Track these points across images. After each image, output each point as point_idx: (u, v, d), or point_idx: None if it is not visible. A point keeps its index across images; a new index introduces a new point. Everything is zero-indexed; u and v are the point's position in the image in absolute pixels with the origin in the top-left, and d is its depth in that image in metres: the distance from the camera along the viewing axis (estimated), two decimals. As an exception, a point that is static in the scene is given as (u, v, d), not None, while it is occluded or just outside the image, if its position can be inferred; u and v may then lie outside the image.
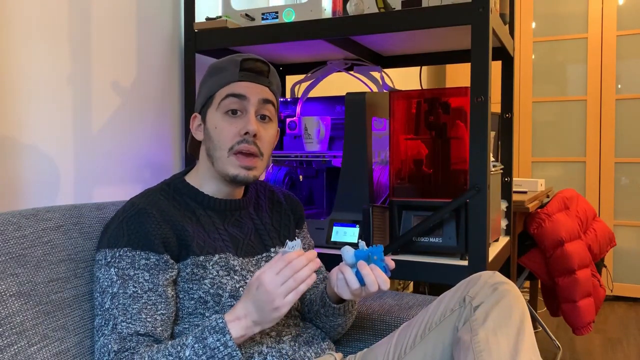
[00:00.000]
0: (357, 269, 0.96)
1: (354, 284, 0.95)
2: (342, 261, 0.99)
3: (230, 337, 0.87)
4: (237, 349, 0.87)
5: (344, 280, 0.97)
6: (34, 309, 0.89)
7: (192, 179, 1.09)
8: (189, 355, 0.86)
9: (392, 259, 1.38)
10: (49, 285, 0.93)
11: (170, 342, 0.90)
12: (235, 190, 1.09)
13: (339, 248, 1.49)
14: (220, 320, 0.88)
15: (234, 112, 1.03)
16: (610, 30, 3.42)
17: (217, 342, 0.86)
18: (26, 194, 1.20)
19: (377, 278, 0.95)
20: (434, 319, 1.02)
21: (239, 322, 0.89)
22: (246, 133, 1.01)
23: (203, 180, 1.08)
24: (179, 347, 0.87)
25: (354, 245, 1.47)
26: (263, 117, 1.06)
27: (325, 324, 1.11)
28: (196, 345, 0.87)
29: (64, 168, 1.29)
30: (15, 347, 0.84)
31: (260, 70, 1.06)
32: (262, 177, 1.82)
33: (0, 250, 0.88)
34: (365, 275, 0.94)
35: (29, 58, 1.20)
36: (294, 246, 0.91)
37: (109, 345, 0.89)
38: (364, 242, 0.99)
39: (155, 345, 0.90)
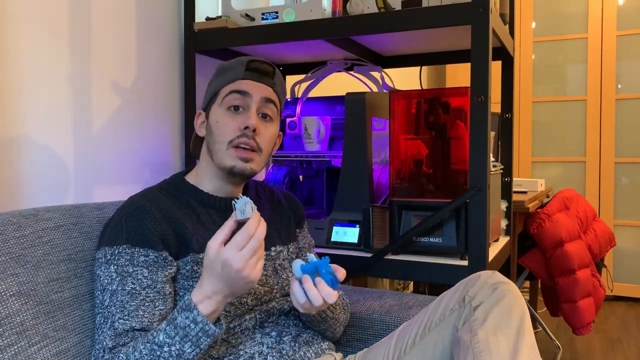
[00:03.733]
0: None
1: (301, 297, 0.94)
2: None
3: (198, 312, 0.85)
4: (208, 322, 0.86)
5: (293, 295, 0.96)
6: (34, 309, 0.89)
7: (192, 178, 1.09)
8: (162, 339, 0.86)
9: (393, 259, 1.39)
10: (49, 285, 0.93)
11: (150, 331, 0.89)
12: (234, 187, 1.09)
13: (339, 248, 1.50)
14: (187, 299, 0.87)
15: (236, 108, 1.04)
16: (610, 30, 3.42)
17: (186, 320, 0.85)
18: (26, 194, 1.20)
19: (320, 292, 0.93)
20: (433, 319, 1.02)
21: (209, 300, 0.87)
22: (246, 127, 1.02)
23: (203, 178, 1.08)
24: (155, 333, 0.87)
25: (355, 247, 1.47)
26: (264, 116, 1.07)
27: (313, 329, 1.11)
28: (167, 327, 0.86)
29: (64, 168, 1.29)
30: (15, 347, 0.84)
31: (265, 71, 1.08)
32: (262, 178, 1.82)
33: (0, 250, 0.88)
34: (307, 290, 0.93)
35: (29, 58, 1.20)
36: (244, 206, 0.86)
37: (104, 342, 0.90)
38: (313, 255, 0.98)
39: (140, 338, 0.89)
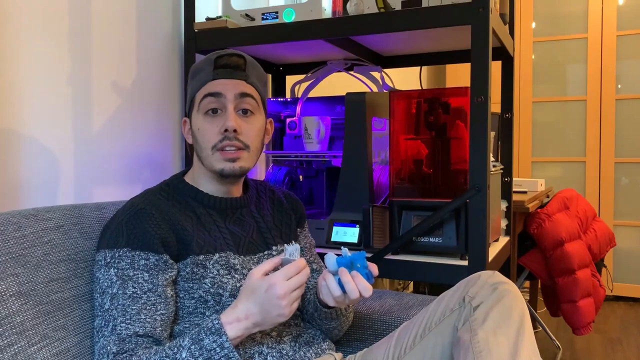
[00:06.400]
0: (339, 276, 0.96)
1: (336, 291, 0.96)
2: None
3: (227, 338, 0.87)
4: (233, 350, 0.87)
5: (327, 287, 0.97)
6: (34, 309, 0.89)
7: (190, 178, 1.09)
8: (185, 357, 0.86)
9: (393, 259, 1.39)
10: (49, 285, 0.93)
11: (168, 344, 0.89)
12: (231, 187, 1.09)
13: (339, 248, 1.50)
14: (217, 322, 0.88)
15: (214, 111, 1.03)
16: (610, 30, 3.42)
17: (214, 344, 0.86)
18: (26, 194, 1.20)
19: (357, 285, 0.94)
20: (433, 319, 1.02)
21: (238, 323, 0.89)
22: (226, 130, 1.02)
23: (199, 180, 1.08)
24: (175, 349, 0.87)
25: (355, 247, 1.47)
26: (245, 112, 1.05)
27: (320, 327, 1.11)
28: (192, 347, 0.87)
29: (64, 168, 1.29)
30: (15, 347, 0.84)
31: (235, 64, 1.05)
32: (262, 177, 1.82)
33: (0, 250, 0.88)
34: (345, 283, 0.95)
35: (29, 58, 1.20)
36: (294, 251, 0.92)
37: (108, 347, 0.89)
38: (347, 249, 0.99)
39: (154, 347, 0.90)
